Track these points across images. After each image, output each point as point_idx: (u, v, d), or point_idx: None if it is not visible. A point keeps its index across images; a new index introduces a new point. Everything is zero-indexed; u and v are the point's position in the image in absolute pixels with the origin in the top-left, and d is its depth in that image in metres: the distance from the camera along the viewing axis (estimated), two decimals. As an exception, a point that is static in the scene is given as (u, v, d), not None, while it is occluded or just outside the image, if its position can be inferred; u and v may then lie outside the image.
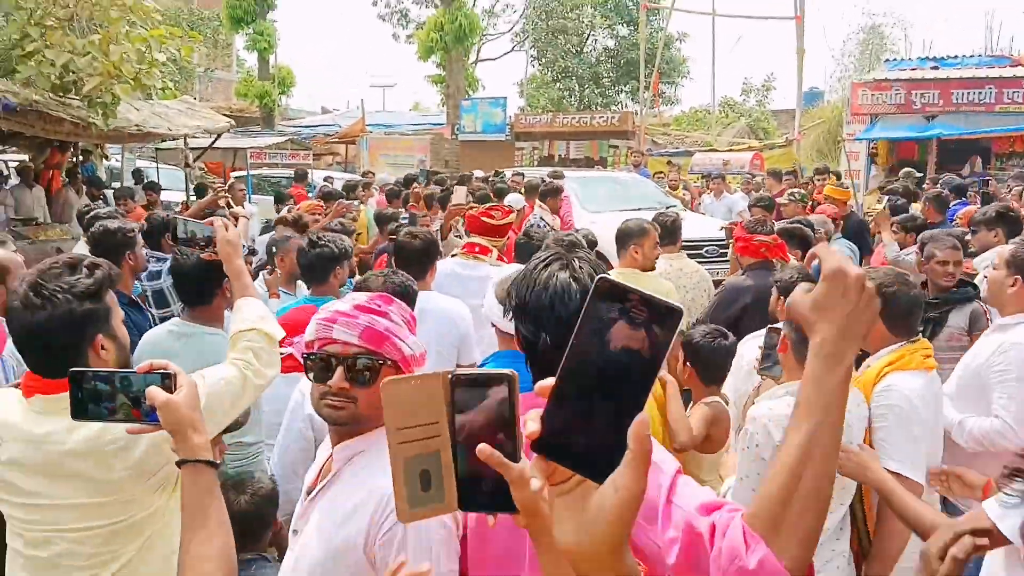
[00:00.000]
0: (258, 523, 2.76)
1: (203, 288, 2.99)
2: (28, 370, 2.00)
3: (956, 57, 17.15)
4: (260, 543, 2.80)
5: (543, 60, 32.41)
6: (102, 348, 1.97)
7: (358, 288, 3.22)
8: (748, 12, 36.86)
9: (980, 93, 15.06)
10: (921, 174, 11.33)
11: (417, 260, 3.96)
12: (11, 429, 1.93)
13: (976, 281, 4.28)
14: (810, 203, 7.91)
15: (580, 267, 1.57)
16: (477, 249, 4.66)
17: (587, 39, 32.21)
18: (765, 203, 7.13)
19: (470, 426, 1.07)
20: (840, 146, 18.26)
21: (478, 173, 12.79)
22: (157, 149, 14.73)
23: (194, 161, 13.49)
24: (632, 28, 29.33)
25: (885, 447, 2.51)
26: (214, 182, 17.20)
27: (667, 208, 9.65)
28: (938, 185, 9.00)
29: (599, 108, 29.73)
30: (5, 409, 1.97)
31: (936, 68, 16.44)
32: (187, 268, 3.01)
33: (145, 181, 12.28)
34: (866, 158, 16.38)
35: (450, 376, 1.10)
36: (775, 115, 28.06)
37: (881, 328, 2.73)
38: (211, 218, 3.00)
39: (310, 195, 10.16)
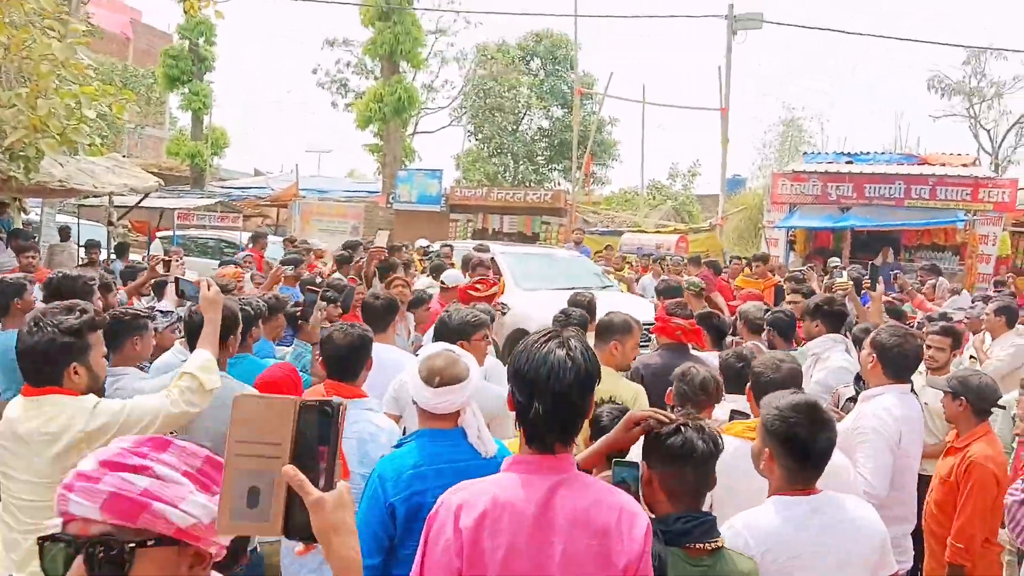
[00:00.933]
0: None
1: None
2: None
3: (868, 153, 18.19)
4: None
5: (480, 136, 33.07)
6: (75, 373, 2.62)
7: (323, 342, 3.47)
8: (676, 102, 38.55)
9: (890, 188, 15.98)
10: (838, 263, 11.81)
11: (380, 317, 4.62)
12: (6, 419, 2.61)
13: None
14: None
15: (575, 346, 1.81)
16: None
17: (523, 118, 33.08)
18: (666, 290, 7.33)
19: (304, 454, 1.17)
20: (761, 232, 19.04)
21: (421, 242, 12.74)
22: (79, 205, 14.28)
23: (118, 219, 13.13)
24: (566, 110, 30.30)
25: None
26: (136, 239, 16.78)
27: (603, 288, 9.66)
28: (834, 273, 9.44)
29: (533, 184, 30.36)
30: (11, 404, 2.66)
31: (850, 163, 17.39)
32: (196, 321, 3.62)
33: (88, 240, 11.68)
34: (785, 245, 17.09)
35: (298, 404, 1.18)
36: (700, 199, 29.12)
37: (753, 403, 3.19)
38: (198, 279, 3.72)
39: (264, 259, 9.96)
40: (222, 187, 25.60)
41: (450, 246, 11.03)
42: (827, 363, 4.74)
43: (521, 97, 31.91)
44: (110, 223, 12.29)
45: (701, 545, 2.13)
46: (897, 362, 3.58)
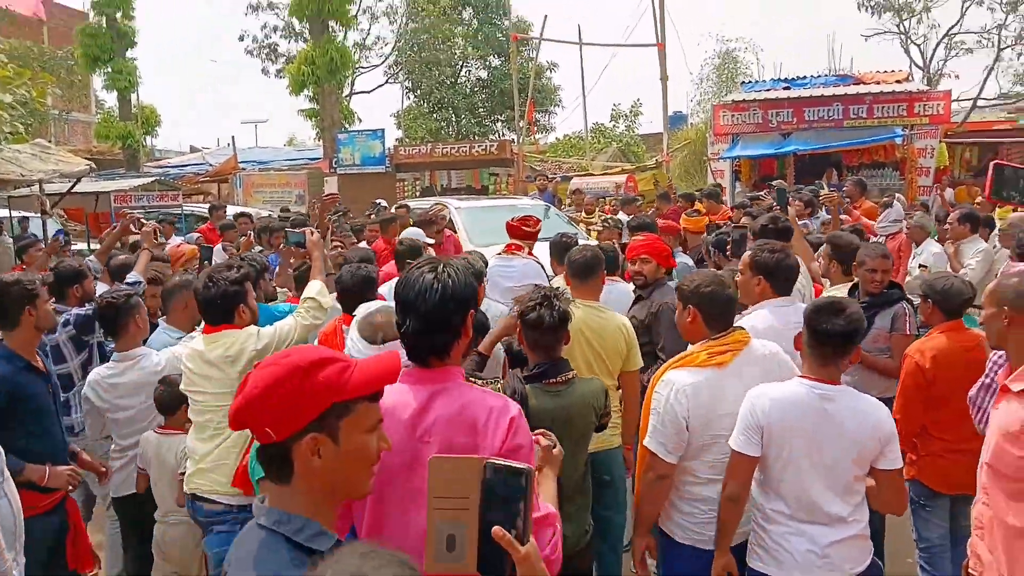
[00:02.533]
0: None
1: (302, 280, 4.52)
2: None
3: (805, 78, 18.32)
4: None
5: (418, 91, 32.55)
6: (243, 312, 3.50)
7: (337, 281, 4.16)
8: (613, 40, 38.28)
9: (829, 110, 16.19)
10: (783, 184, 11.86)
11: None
12: (193, 351, 3.52)
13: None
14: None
15: (444, 271, 2.00)
16: (513, 248, 6.16)
17: (460, 70, 32.62)
18: (641, 224, 7.39)
19: (493, 508, 1.42)
20: (706, 165, 19.16)
21: (381, 203, 12.26)
22: (9, 197, 13.73)
23: (52, 208, 12.67)
24: (503, 59, 29.91)
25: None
26: (75, 228, 16.20)
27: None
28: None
29: (477, 137, 30.07)
30: (196, 340, 3.62)
31: (788, 88, 17.52)
32: (303, 272, 4.65)
33: (56, 231, 10.93)
34: (731, 175, 17.24)
35: (485, 464, 1.43)
36: (644, 139, 29.17)
37: (699, 323, 3.09)
38: (303, 228, 4.82)
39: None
40: (158, 167, 24.84)
41: (406, 206, 10.53)
42: None
43: (456, 49, 31.44)
44: (43, 212, 11.82)
45: (553, 380, 3.09)
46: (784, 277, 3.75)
